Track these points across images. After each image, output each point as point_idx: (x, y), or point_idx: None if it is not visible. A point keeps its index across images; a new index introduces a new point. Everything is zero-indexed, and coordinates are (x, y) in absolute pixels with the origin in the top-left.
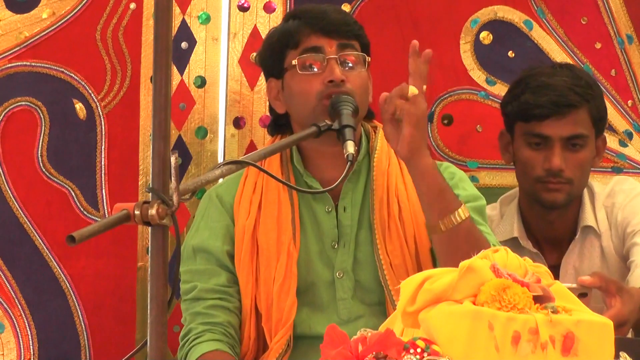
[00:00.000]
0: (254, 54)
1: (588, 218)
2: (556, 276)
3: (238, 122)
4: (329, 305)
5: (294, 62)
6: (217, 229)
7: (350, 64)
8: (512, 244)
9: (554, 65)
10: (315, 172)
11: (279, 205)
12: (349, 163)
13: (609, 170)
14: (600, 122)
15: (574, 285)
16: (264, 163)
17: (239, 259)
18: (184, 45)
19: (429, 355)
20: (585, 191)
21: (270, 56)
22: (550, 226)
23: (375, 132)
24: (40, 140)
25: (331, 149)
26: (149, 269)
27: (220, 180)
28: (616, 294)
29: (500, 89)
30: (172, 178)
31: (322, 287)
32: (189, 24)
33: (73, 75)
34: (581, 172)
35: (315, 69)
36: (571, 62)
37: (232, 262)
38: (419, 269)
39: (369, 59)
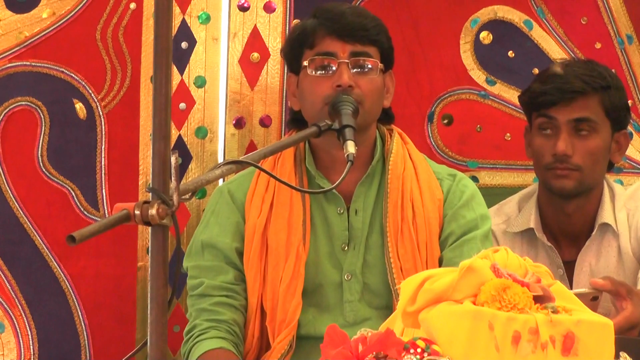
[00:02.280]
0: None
1: (606, 216)
2: (571, 273)
3: (238, 122)
4: (336, 307)
5: (306, 63)
6: (227, 225)
7: (362, 69)
8: (528, 235)
9: (575, 59)
10: (327, 174)
11: (290, 205)
12: (349, 163)
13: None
14: (614, 113)
15: (586, 290)
16: (277, 162)
17: (248, 257)
18: (184, 45)
19: (429, 355)
20: (606, 189)
21: (290, 52)
22: (568, 219)
23: (391, 136)
24: (40, 140)
25: (342, 152)
26: (149, 269)
27: (221, 179)
28: (626, 297)
29: (500, 89)
30: (172, 178)
31: (330, 288)
32: (189, 24)
33: (73, 75)
34: (591, 160)
35: (326, 72)
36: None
37: (241, 259)
38: None
39: (382, 65)
